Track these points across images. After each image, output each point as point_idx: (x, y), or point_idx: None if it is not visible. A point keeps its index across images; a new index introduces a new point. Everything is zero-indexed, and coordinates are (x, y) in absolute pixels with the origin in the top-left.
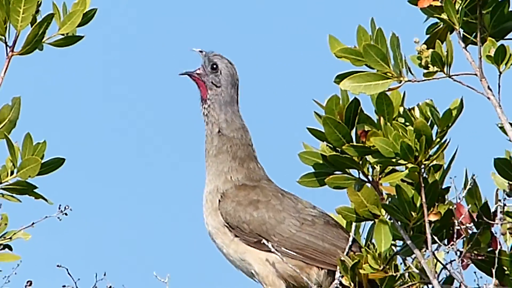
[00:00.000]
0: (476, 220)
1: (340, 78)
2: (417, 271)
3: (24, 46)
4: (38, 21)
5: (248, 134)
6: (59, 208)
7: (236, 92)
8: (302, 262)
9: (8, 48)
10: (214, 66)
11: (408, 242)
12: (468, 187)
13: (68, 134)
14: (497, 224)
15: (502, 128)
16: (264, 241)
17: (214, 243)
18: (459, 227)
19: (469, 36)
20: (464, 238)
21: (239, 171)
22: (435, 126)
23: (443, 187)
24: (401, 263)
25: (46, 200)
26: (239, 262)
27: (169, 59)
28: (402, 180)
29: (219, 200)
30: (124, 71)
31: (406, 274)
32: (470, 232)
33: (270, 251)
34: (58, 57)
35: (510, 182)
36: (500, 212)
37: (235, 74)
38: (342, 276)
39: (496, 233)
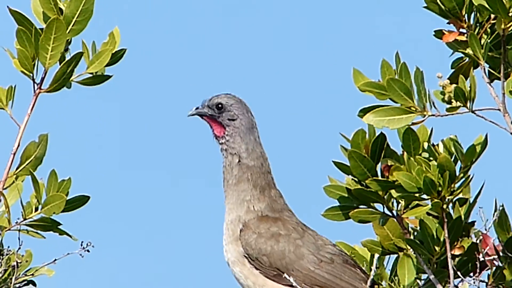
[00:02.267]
0: (502, 252)
1: (364, 112)
2: None
3: (51, 83)
4: (66, 59)
5: (267, 161)
6: (81, 245)
7: (252, 116)
8: None
9: (35, 85)
10: (220, 105)
11: (431, 276)
12: (495, 217)
13: (93, 172)
14: None
15: None
16: (285, 275)
17: (232, 271)
18: (484, 259)
19: (493, 72)
20: (489, 271)
21: (261, 200)
22: (459, 161)
23: (469, 221)
24: None
25: (70, 236)
26: None
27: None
28: (428, 214)
29: (241, 230)
30: (147, 110)
31: None
32: (495, 264)
33: (289, 285)
34: (86, 95)
35: None
36: None
37: (242, 100)
38: None
39: None
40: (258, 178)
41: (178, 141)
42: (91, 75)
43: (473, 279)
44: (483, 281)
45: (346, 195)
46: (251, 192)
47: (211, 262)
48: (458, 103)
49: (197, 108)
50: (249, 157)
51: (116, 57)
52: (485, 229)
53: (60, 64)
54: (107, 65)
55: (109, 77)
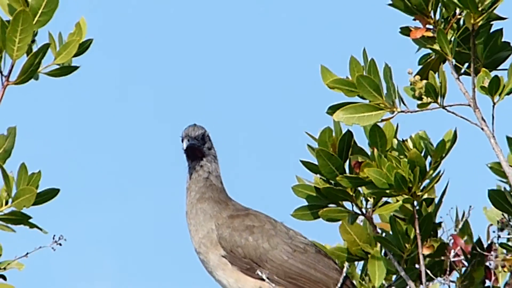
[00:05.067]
0: (469, 255)
1: (333, 109)
2: None
3: (19, 75)
4: (34, 50)
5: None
6: (53, 239)
7: None
8: None
9: (3, 78)
10: (202, 136)
11: (402, 273)
12: (460, 224)
13: (62, 164)
14: (493, 256)
15: (492, 168)
16: (258, 271)
17: (215, 277)
18: (454, 259)
19: (461, 67)
20: (458, 273)
21: (226, 209)
22: (429, 157)
23: (437, 222)
24: None
25: (41, 229)
26: None
27: (165, 87)
28: (395, 216)
29: (216, 229)
30: (119, 100)
31: None
32: (464, 267)
33: (262, 279)
34: (53, 87)
35: (503, 215)
36: (495, 244)
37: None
38: None
39: (491, 266)
40: (219, 195)
41: (147, 126)
42: (58, 66)
43: (444, 279)
44: (453, 282)
45: (315, 194)
46: (215, 207)
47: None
48: (429, 99)
49: (191, 143)
50: (216, 179)
51: (83, 47)
52: (455, 230)
53: (27, 56)
54: (74, 56)
55: (76, 68)
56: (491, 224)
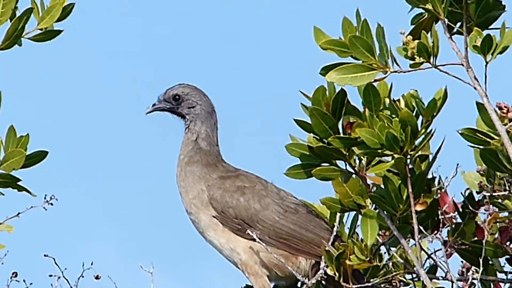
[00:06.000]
0: (461, 209)
1: (326, 70)
2: (402, 261)
3: (4, 40)
4: (17, 15)
5: (218, 147)
6: (45, 198)
7: (209, 100)
8: (287, 252)
9: None
10: (177, 97)
11: (395, 232)
12: (449, 182)
13: (49, 128)
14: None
15: (462, 134)
16: (248, 231)
17: (206, 238)
18: (442, 216)
19: (454, 26)
20: (449, 228)
21: (215, 170)
22: (420, 116)
23: (430, 177)
24: (385, 253)
25: (29, 192)
26: (229, 252)
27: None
28: (389, 171)
29: (206, 190)
30: (103, 64)
31: (390, 264)
32: (454, 224)
33: (253, 239)
34: (37, 52)
35: (482, 172)
36: (486, 201)
37: (197, 87)
38: (327, 266)
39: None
40: (207, 158)
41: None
42: (42, 31)
43: (433, 236)
44: (443, 239)
45: (308, 153)
46: (204, 169)
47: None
48: (421, 59)
49: (154, 105)
50: (205, 141)
51: (66, 11)
52: (443, 187)
53: (11, 21)
54: (57, 20)
55: (60, 31)
56: (468, 188)
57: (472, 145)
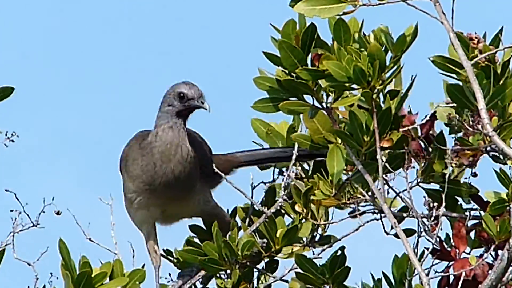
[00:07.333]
0: (433, 144)
1: (295, 1)
2: (368, 196)
3: None
4: None
5: None
6: (6, 135)
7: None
8: None
9: None
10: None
11: (360, 167)
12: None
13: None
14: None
15: (434, 61)
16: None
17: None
18: (413, 154)
19: None
20: (418, 165)
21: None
22: (390, 52)
23: (401, 115)
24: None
25: None
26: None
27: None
28: (359, 107)
29: None
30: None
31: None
32: (424, 161)
33: None
34: None
35: (451, 104)
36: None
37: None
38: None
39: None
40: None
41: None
42: None
43: (403, 170)
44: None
45: (276, 86)
46: None
47: None
48: None
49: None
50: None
51: None
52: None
53: None
54: None
55: None
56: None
57: (444, 72)
